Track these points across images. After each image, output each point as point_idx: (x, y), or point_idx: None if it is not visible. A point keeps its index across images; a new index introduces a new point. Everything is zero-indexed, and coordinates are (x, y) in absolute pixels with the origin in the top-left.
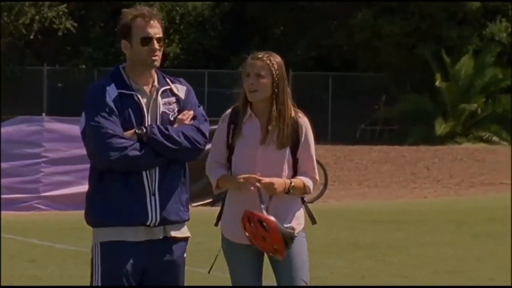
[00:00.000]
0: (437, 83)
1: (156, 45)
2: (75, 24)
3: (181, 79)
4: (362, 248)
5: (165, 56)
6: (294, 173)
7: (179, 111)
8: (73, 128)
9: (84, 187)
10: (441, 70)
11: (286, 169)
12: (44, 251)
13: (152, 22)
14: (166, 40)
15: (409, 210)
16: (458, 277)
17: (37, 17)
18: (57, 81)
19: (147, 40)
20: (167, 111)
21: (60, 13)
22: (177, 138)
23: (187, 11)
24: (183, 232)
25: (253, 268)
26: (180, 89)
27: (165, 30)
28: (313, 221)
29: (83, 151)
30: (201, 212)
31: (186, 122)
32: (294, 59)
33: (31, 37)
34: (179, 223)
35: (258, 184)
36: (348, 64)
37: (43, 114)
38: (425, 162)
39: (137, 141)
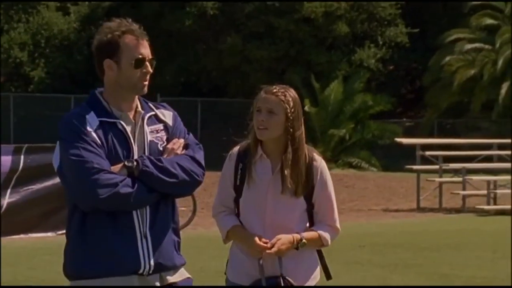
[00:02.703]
0: (306, 108)
1: (150, 68)
2: None
3: (165, 104)
4: None
5: (29, 80)
6: (311, 220)
7: (168, 140)
8: None
9: None
10: (310, 95)
11: (300, 218)
12: None
13: (143, 41)
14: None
15: None
16: None
17: None
18: None
19: (141, 62)
20: (155, 140)
21: None
22: (173, 171)
23: (52, 34)
24: (181, 274)
25: None
26: (167, 115)
27: (30, 54)
28: (328, 277)
29: None
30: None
31: (178, 151)
32: (162, 84)
33: None
34: (176, 268)
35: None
36: (218, 90)
37: None
38: None
39: (128, 175)
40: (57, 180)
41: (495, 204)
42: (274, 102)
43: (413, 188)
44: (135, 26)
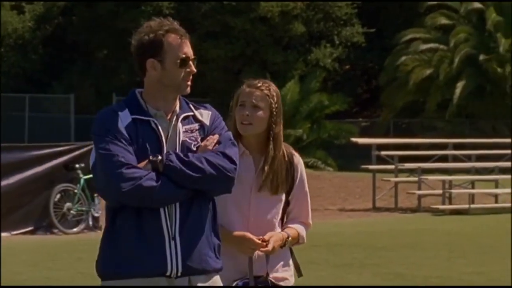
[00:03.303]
0: None
1: (193, 68)
2: None
3: (207, 105)
4: None
5: None
6: (283, 216)
7: (203, 139)
8: None
9: None
10: None
11: (280, 215)
12: None
13: (186, 40)
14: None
15: None
16: None
17: None
18: None
19: (185, 62)
20: (188, 139)
21: None
22: (200, 165)
23: (7, 33)
24: (214, 282)
25: None
26: (205, 115)
27: None
28: (299, 274)
29: None
30: (22, 240)
31: (210, 148)
32: (118, 84)
33: None
34: (208, 273)
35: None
36: None
37: None
38: None
39: (152, 170)
40: (12, 180)
41: (450, 203)
42: (260, 96)
43: (369, 187)
44: (177, 25)
